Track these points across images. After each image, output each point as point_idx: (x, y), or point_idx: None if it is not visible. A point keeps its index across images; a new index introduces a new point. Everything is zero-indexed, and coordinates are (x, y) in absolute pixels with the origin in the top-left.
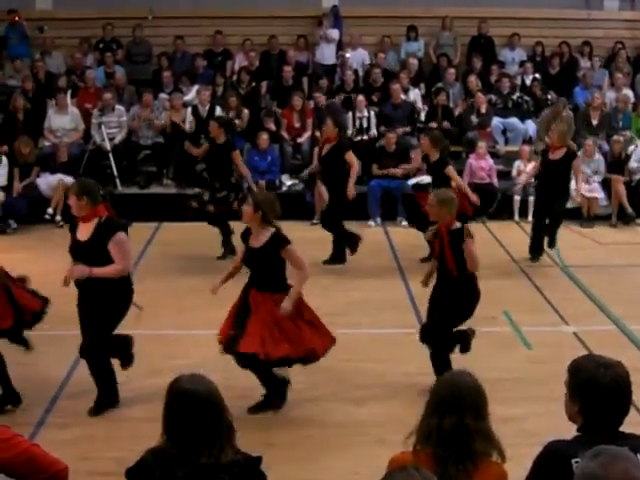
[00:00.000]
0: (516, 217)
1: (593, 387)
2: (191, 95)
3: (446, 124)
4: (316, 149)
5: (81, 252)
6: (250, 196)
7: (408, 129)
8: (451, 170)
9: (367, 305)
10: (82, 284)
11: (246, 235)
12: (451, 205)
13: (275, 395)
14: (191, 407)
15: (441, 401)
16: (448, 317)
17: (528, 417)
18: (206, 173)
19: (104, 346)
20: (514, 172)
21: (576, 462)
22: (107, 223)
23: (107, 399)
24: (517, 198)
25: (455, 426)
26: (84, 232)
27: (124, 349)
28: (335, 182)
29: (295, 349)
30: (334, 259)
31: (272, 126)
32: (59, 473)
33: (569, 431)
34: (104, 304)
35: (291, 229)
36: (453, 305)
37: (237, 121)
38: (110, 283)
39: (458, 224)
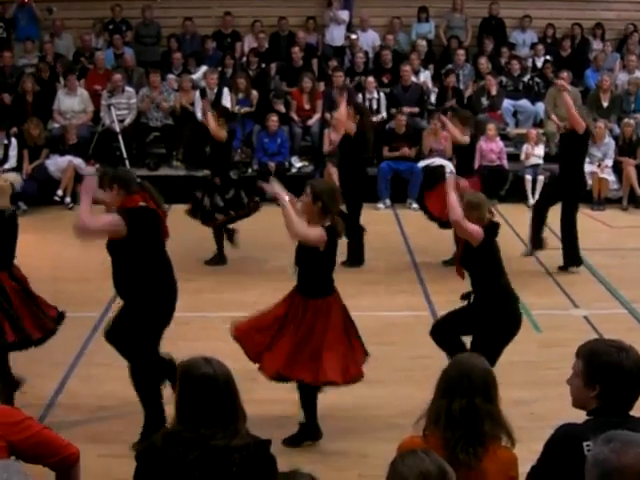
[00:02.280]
0: (530, 200)
1: (616, 371)
2: (198, 74)
3: (453, 103)
4: (326, 131)
5: (112, 249)
6: (309, 185)
7: (417, 110)
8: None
9: (377, 288)
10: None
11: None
12: (482, 209)
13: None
14: (206, 390)
15: (450, 383)
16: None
17: (538, 400)
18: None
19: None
20: (522, 156)
21: (587, 445)
22: (125, 211)
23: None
24: (528, 178)
25: (464, 408)
26: None
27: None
28: (352, 169)
29: (314, 376)
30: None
31: (281, 108)
32: (70, 457)
33: (579, 415)
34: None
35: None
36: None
37: (237, 107)
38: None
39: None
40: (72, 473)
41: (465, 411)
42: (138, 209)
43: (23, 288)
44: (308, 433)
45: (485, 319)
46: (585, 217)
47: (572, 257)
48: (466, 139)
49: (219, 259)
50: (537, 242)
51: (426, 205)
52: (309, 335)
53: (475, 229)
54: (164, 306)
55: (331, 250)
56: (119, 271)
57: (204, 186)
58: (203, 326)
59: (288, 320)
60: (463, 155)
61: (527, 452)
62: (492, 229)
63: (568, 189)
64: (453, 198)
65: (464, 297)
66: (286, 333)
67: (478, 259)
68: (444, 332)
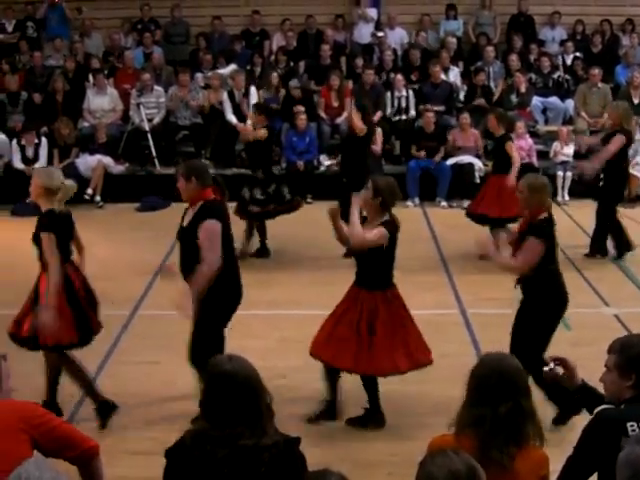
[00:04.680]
0: (565, 197)
1: None
2: (226, 70)
3: (482, 102)
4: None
5: (183, 238)
6: (370, 180)
7: (443, 108)
8: (511, 146)
9: (406, 285)
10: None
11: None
12: (544, 192)
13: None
14: (231, 389)
15: (493, 388)
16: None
17: None
18: (247, 163)
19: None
20: (552, 153)
21: (632, 425)
22: (206, 207)
23: None
24: (560, 174)
25: (511, 411)
26: (187, 217)
27: None
28: (357, 167)
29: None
30: None
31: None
32: (90, 450)
33: None
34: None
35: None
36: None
37: (274, 105)
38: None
39: (546, 214)
40: (93, 466)
41: (513, 414)
42: (217, 204)
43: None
44: (373, 418)
45: (536, 301)
46: None
47: (599, 246)
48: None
49: (263, 251)
50: (626, 244)
51: (482, 213)
52: (392, 326)
53: (375, 234)
54: (233, 296)
55: (392, 244)
56: (190, 260)
57: (248, 182)
58: (232, 323)
59: (363, 317)
60: (497, 150)
61: (558, 453)
62: (550, 219)
63: (610, 186)
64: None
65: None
66: (373, 330)
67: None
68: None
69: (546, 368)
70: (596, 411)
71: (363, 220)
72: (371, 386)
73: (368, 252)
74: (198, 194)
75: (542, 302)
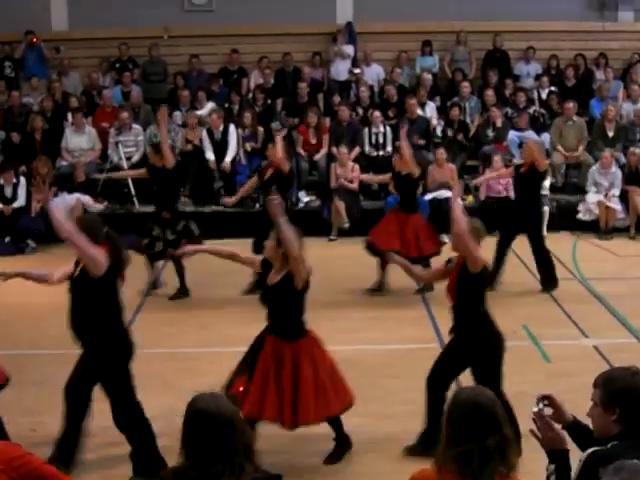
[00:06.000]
0: (543, 230)
1: (633, 392)
2: (204, 111)
3: (461, 137)
4: (333, 166)
5: (74, 290)
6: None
7: (422, 142)
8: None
9: (386, 321)
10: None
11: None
12: (480, 235)
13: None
14: (209, 427)
15: (476, 424)
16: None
17: None
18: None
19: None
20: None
21: None
22: None
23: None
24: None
25: (499, 443)
26: (79, 268)
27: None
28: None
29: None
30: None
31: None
32: None
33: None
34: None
35: (308, 245)
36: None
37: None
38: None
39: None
40: None
41: (499, 445)
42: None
43: None
44: (344, 445)
45: (475, 346)
46: (592, 246)
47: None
48: (416, 171)
49: (183, 292)
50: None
51: (374, 242)
52: (305, 377)
53: (480, 252)
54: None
55: (306, 290)
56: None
57: (156, 221)
58: (211, 360)
59: (276, 370)
60: (407, 189)
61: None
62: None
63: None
64: (459, 209)
65: (452, 331)
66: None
67: (471, 285)
68: (438, 379)
69: (535, 409)
70: (585, 454)
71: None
72: (334, 421)
73: (284, 297)
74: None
75: (481, 345)
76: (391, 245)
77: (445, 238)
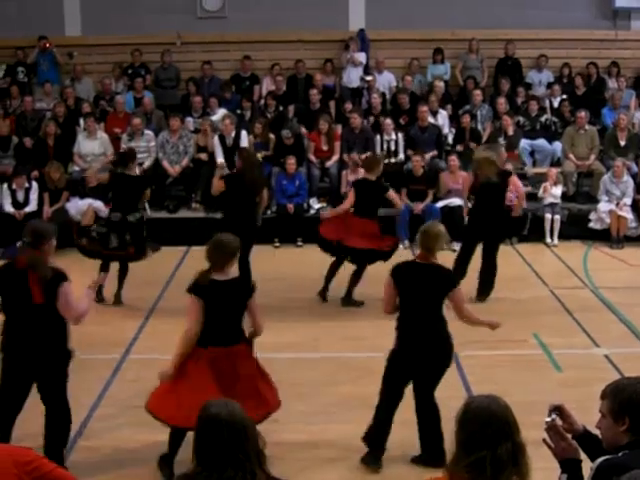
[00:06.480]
0: (548, 239)
1: None
2: (217, 116)
3: (473, 146)
4: (344, 172)
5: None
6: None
7: (435, 152)
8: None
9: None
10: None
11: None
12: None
13: None
14: (221, 433)
15: (490, 432)
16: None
17: None
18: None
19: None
20: (540, 190)
21: None
22: None
23: None
24: (548, 217)
25: (511, 450)
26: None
27: None
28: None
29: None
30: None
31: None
32: None
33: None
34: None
35: (318, 252)
36: None
37: (264, 152)
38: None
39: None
40: None
41: (512, 453)
42: None
43: None
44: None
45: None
46: (604, 255)
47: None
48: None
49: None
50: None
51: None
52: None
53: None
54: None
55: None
56: None
57: (108, 224)
58: None
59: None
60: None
61: None
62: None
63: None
64: (477, 318)
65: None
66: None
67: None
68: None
69: (548, 419)
70: (597, 462)
71: None
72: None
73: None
74: None
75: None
76: (338, 235)
77: (455, 246)
